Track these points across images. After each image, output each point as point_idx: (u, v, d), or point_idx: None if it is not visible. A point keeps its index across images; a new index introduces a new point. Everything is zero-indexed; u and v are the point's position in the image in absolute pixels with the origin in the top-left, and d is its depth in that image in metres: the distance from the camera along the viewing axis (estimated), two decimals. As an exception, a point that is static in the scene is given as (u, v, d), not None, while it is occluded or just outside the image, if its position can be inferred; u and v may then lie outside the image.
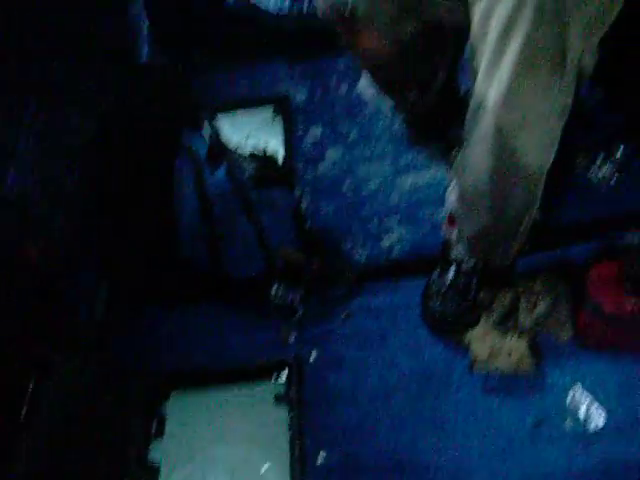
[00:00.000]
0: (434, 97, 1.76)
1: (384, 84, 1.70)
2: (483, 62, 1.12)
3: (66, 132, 1.25)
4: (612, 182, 1.74)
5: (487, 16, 1.09)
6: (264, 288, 1.56)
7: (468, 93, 1.22)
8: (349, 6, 1.37)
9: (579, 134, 1.72)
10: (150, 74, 2.09)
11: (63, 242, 1.25)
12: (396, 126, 1.98)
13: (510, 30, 1.05)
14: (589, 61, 1.13)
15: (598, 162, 1.77)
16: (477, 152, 1.20)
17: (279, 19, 2.12)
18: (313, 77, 2.22)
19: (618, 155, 1.77)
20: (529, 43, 1.05)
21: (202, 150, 1.64)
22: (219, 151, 1.61)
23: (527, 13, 1.02)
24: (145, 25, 2.14)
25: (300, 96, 2.20)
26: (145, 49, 2.16)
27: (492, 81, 1.11)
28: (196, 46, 2.23)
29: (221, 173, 1.58)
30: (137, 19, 2.10)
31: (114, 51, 1.74)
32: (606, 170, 1.76)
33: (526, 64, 1.07)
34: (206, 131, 1.83)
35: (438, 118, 1.85)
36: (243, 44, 2.23)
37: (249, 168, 1.58)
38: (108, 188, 1.37)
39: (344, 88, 2.17)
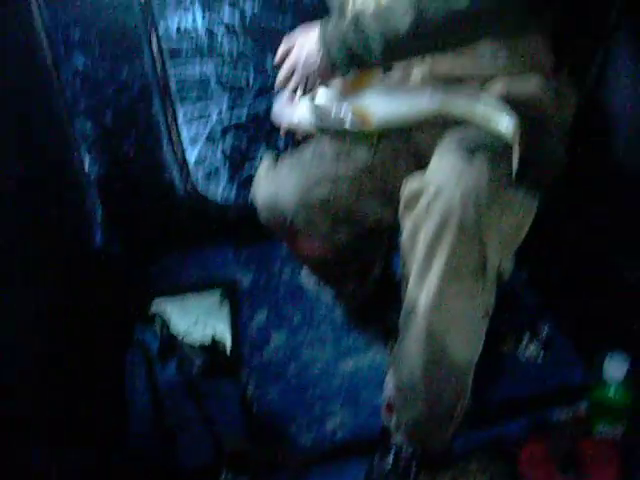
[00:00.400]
0: (372, 286, 1.89)
1: (323, 278, 1.84)
2: (413, 271, 1.27)
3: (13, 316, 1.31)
4: (539, 360, 1.86)
5: (415, 232, 1.25)
6: (213, 477, 1.57)
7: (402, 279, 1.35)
8: (288, 218, 1.51)
9: (505, 316, 1.83)
10: (103, 261, 2.20)
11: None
12: (337, 311, 2.09)
13: (436, 245, 1.21)
14: (507, 266, 1.28)
15: (525, 342, 1.89)
16: (411, 349, 1.32)
17: (225, 209, 2.28)
18: (258, 261, 2.36)
19: (543, 334, 1.90)
20: (453, 257, 1.20)
21: (153, 344, 1.71)
22: (170, 346, 1.68)
23: (451, 232, 1.18)
24: (99, 212, 2.27)
25: (246, 280, 2.32)
26: (98, 235, 2.27)
27: (422, 288, 1.26)
28: (148, 232, 2.35)
29: (172, 366, 1.65)
30: (91, 206, 2.23)
31: (68, 237, 1.83)
32: (533, 349, 1.88)
33: (452, 274, 1.22)
34: (157, 322, 1.91)
35: (376, 304, 1.96)
36: (192, 230, 2.35)
37: (198, 361, 1.66)
38: (55, 381, 1.42)
39: (288, 273, 2.31)
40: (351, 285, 1.87)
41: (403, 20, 1.15)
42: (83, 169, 2.20)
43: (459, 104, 1.29)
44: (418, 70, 1.41)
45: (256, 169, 1.66)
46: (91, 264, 2.12)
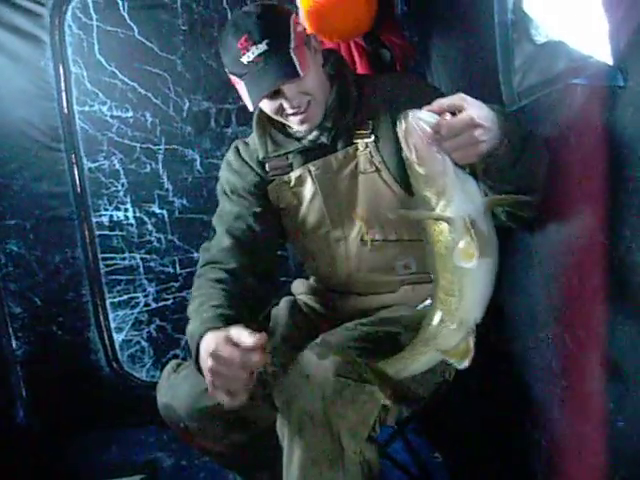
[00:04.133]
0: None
1: (229, 469, 1.83)
2: (283, 460, 1.29)
3: None
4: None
5: (282, 424, 1.29)
6: None
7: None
8: (182, 423, 1.53)
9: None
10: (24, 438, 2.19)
11: None
12: None
13: (295, 436, 1.25)
14: (372, 456, 1.30)
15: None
16: None
17: (149, 390, 2.30)
18: (180, 443, 2.32)
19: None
20: (309, 447, 1.24)
21: None
22: None
23: (305, 424, 1.23)
24: (22, 389, 2.31)
25: (167, 462, 2.28)
26: (21, 412, 2.30)
27: (290, 477, 1.27)
28: (72, 410, 2.35)
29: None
30: (15, 383, 2.27)
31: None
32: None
33: (310, 463, 1.24)
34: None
35: None
36: (116, 410, 2.36)
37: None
38: None
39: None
40: (262, 476, 1.83)
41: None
42: (10, 348, 2.25)
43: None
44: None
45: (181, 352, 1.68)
46: (12, 440, 2.12)
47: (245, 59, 1.33)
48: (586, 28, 1.04)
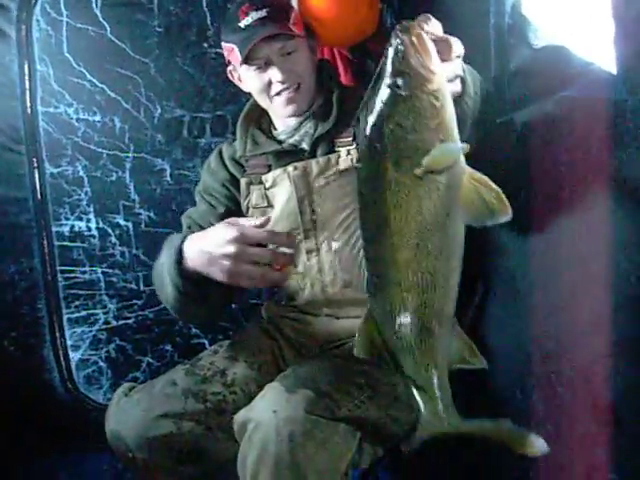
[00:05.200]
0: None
1: None
2: None
3: None
4: None
5: (242, 462, 1.21)
6: None
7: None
8: (130, 452, 1.42)
9: None
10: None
11: None
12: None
13: (257, 476, 1.16)
14: None
15: None
16: None
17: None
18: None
19: None
20: None
21: None
22: None
23: (268, 465, 1.14)
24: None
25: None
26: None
27: None
28: (24, 433, 2.19)
29: None
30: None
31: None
32: None
33: None
34: None
35: None
36: (70, 434, 2.21)
37: None
38: None
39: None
40: None
41: None
42: (-42, 364, 2.10)
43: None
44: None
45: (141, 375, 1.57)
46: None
47: (243, 23, 1.37)
48: (590, 32, 0.94)
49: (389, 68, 0.79)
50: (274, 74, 1.41)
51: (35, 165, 2.05)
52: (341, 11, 1.66)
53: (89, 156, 2.08)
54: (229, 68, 1.54)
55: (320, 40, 1.65)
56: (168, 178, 2.10)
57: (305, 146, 1.50)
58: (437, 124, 0.78)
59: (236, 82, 1.56)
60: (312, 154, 1.49)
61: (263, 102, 1.51)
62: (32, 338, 2.16)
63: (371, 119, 0.81)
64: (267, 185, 1.52)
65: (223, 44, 1.47)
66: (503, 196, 0.78)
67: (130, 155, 2.08)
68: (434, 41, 0.80)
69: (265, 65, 1.41)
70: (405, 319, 0.89)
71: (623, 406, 0.93)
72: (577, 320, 1.05)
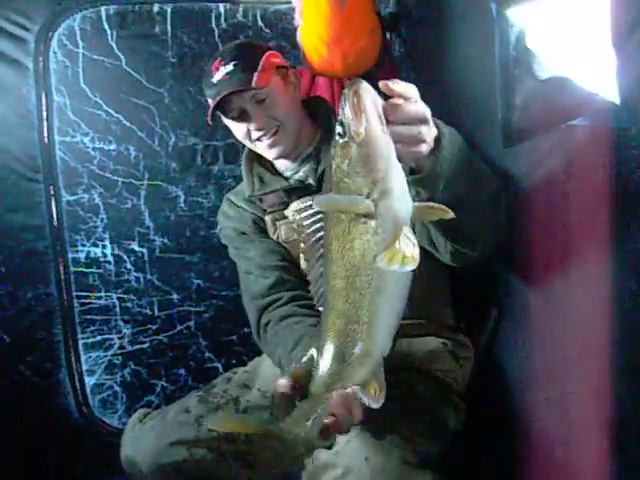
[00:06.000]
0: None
1: None
2: None
3: None
4: None
5: None
6: None
7: None
8: (144, 478, 1.46)
9: None
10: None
11: None
12: None
13: None
14: None
15: None
16: None
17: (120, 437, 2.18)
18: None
19: None
20: None
21: None
22: None
23: None
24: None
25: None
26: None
27: None
28: (38, 458, 2.22)
29: None
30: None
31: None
32: None
33: None
34: None
35: None
36: (86, 459, 2.24)
37: None
38: None
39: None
40: None
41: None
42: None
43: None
44: None
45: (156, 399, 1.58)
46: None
47: (215, 79, 1.43)
48: (592, 64, 0.96)
49: (339, 117, 0.85)
50: (250, 126, 1.45)
51: (52, 193, 2.09)
52: (340, 39, 1.66)
53: (105, 184, 2.11)
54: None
55: (317, 70, 1.70)
56: (182, 205, 2.13)
57: (312, 182, 1.52)
58: (367, 171, 0.82)
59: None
60: (318, 188, 1.48)
61: (251, 147, 1.55)
62: (48, 363, 2.19)
63: (329, 158, 0.88)
64: (291, 219, 1.53)
65: (207, 98, 1.51)
66: (417, 253, 0.82)
67: (145, 183, 2.11)
68: (386, 96, 0.85)
69: (241, 115, 1.45)
70: (331, 342, 0.95)
71: (630, 427, 0.94)
72: (588, 344, 1.06)
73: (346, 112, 0.83)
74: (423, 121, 0.88)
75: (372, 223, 0.84)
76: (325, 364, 0.96)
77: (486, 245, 1.21)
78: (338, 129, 0.85)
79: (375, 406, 0.96)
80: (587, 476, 1.09)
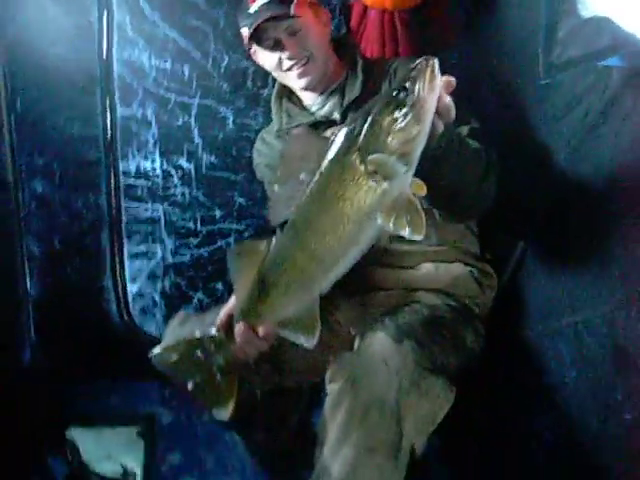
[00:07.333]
0: (285, 438, 1.86)
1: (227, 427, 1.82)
2: (330, 439, 1.27)
3: None
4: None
5: (338, 402, 1.27)
6: None
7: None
8: None
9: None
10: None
11: None
12: (251, 460, 2.04)
13: (356, 419, 1.24)
14: (420, 446, 1.29)
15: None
16: None
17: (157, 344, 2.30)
18: (180, 400, 2.33)
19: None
20: (372, 433, 1.23)
21: (62, 471, 1.66)
22: (79, 475, 1.63)
23: (372, 410, 1.22)
24: (31, 330, 2.31)
25: (166, 418, 2.31)
26: (27, 354, 2.30)
27: (337, 457, 1.24)
28: (79, 356, 2.35)
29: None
30: (24, 324, 2.27)
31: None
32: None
33: (367, 448, 1.23)
34: (69, 449, 1.86)
35: (288, 457, 1.91)
36: (122, 360, 2.34)
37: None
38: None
39: (207, 415, 2.27)
40: (259, 435, 1.84)
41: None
42: (24, 288, 2.24)
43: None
44: None
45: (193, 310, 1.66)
46: (14, 380, 2.11)
47: (252, 9, 1.52)
48: (634, 5, 1.02)
49: (403, 81, 0.94)
50: (283, 54, 1.55)
51: (107, 106, 2.18)
52: None
53: (158, 100, 2.20)
54: (251, 50, 1.67)
55: (368, 2, 1.80)
56: (231, 125, 2.22)
57: (337, 116, 1.60)
58: (408, 141, 0.92)
59: (259, 62, 1.69)
60: (342, 123, 1.54)
61: (281, 79, 1.66)
62: (94, 269, 2.31)
63: (367, 107, 0.97)
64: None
65: (241, 29, 1.60)
66: (423, 221, 0.94)
67: (196, 101, 2.20)
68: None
69: (275, 44, 1.55)
70: (283, 273, 1.09)
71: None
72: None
73: (417, 86, 0.92)
74: (450, 107, 1.02)
75: (384, 184, 0.95)
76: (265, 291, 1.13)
77: (479, 210, 1.38)
78: (400, 94, 0.94)
79: (308, 347, 1.11)
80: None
